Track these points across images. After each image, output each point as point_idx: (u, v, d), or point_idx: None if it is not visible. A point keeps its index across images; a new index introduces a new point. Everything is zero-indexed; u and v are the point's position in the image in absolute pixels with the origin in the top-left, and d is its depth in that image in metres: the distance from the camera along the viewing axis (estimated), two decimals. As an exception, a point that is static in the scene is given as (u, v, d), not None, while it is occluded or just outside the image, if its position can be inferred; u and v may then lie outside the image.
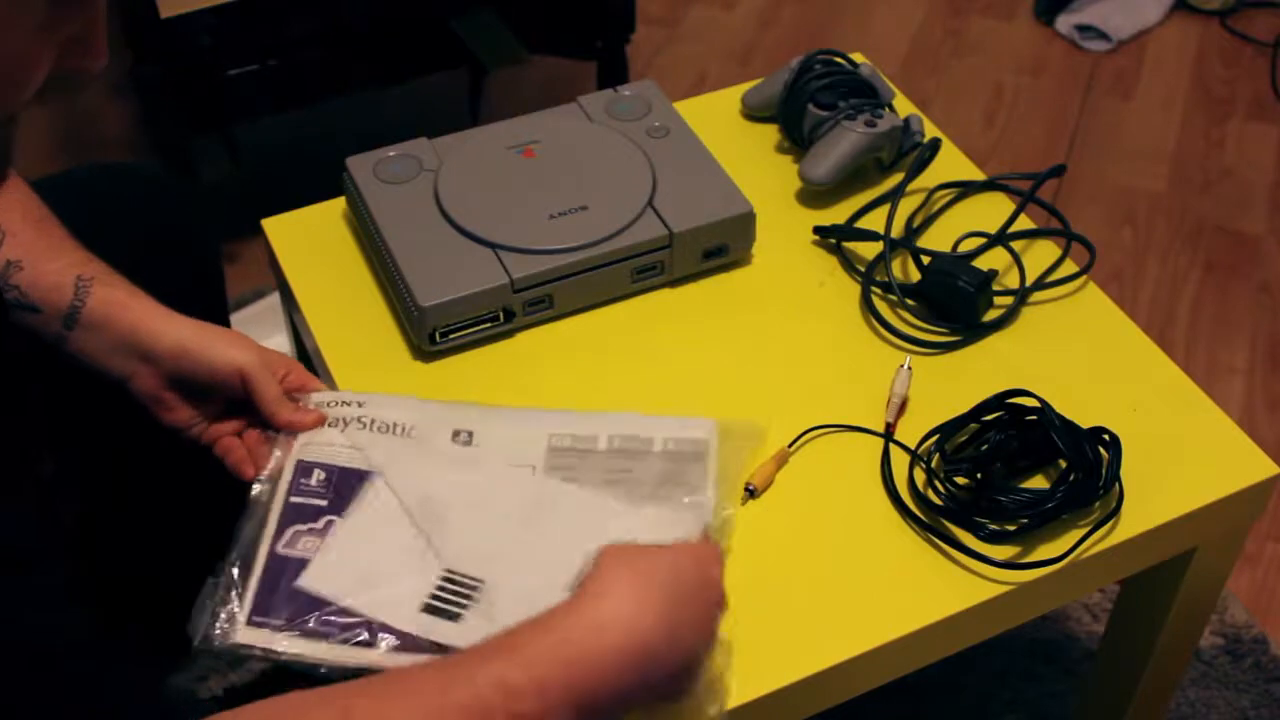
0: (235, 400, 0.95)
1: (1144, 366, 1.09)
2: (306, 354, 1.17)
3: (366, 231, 1.13)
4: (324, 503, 0.91)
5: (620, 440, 0.97)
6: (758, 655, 0.87)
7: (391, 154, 1.16)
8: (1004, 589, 0.93)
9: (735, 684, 0.84)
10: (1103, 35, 2.34)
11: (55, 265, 0.92)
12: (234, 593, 0.86)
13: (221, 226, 1.23)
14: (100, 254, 0.95)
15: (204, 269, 1.16)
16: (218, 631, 0.84)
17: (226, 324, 1.15)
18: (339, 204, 1.19)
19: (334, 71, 1.83)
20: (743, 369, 1.06)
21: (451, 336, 1.06)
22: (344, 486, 0.92)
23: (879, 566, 0.94)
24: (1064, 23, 2.36)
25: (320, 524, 0.90)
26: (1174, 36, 2.37)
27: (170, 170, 1.75)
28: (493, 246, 1.08)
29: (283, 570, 0.87)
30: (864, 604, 0.92)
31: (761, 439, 0.99)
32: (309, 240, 1.17)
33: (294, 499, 0.91)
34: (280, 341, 1.49)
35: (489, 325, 1.07)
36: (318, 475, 0.93)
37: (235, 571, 0.87)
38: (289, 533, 0.89)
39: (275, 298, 1.51)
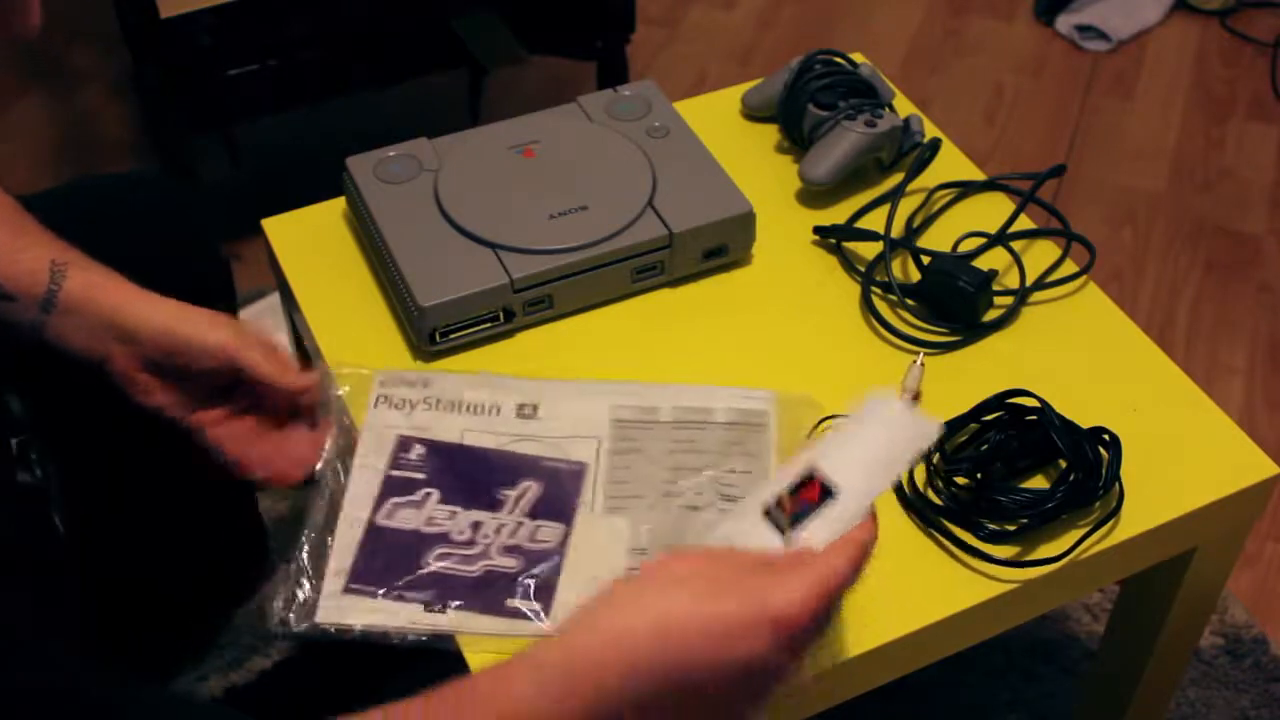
0: (220, 385, 0.95)
1: (1144, 366, 1.09)
2: (307, 354, 1.17)
3: (366, 231, 1.13)
4: (423, 476, 0.96)
5: (682, 411, 1.01)
6: (758, 655, 0.87)
7: (391, 154, 1.16)
8: (1004, 589, 0.93)
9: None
10: (1103, 35, 2.34)
11: (29, 254, 0.92)
12: (305, 578, 0.90)
13: (222, 227, 1.23)
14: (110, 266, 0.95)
15: (213, 281, 1.16)
16: (293, 615, 0.88)
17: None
18: (339, 204, 1.19)
19: (334, 71, 1.83)
20: (743, 369, 1.06)
21: (451, 336, 1.06)
22: (443, 461, 0.97)
23: (879, 566, 0.94)
24: (1064, 23, 2.36)
25: (419, 497, 0.95)
26: (1174, 36, 2.37)
27: (172, 174, 1.75)
28: (493, 246, 1.08)
29: (381, 541, 0.92)
30: (864, 604, 0.91)
31: (819, 412, 1.01)
32: (309, 240, 1.17)
33: (394, 472, 0.96)
34: (280, 341, 1.49)
35: (489, 325, 1.07)
36: (417, 450, 0.98)
37: (306, 557, 0.91)
38: (388, 504, 0.94)
39: (275, 298, 1.50)
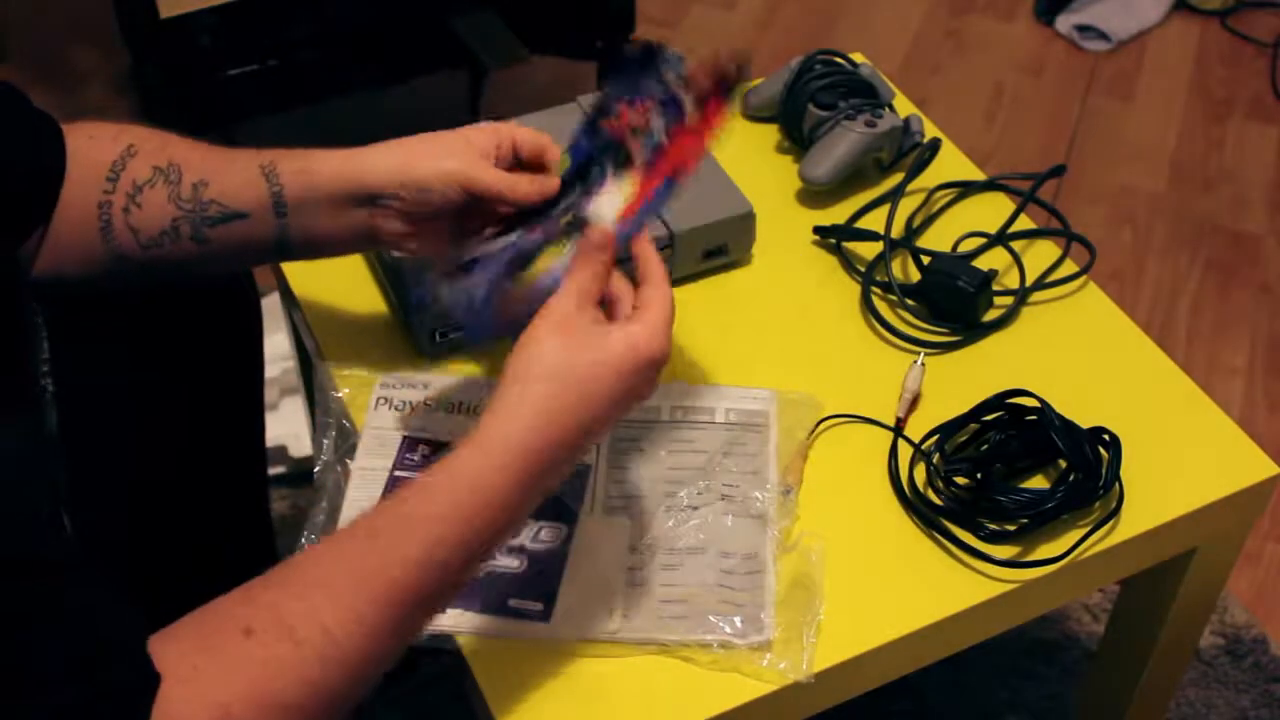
0: (469, 208, 0.93)
1: (1144, 366, 1.09)
2: (306, 354, 1.17)
3: (366, 231, 1.12)
4: None
5: (682, 411, 1.01)
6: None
7: (391, 154, 1.15)
8: (1004, 589, 0.93)
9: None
10: (1103, 35, 2.34)
11: (237, 166, 0.91)
12: None
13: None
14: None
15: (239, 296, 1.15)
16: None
17: (260, 350, 1.13)
18: (339, 204, 1.19)
19: (334, 71, 1.83)
20: (743, 369, 1.06)
21: (451, 336, 1.06)
22: None
23: (879, 566, 0.94)
24: (1064, 23, 2.36)
25: None
26: (1174, 36, 2.37)
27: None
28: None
29: None
30: (864, 603, 0.92)
31: (819, 412, 1.01)
32: (309, 240, 1.17)
33: (399, 473, 0.96)
34: (280, 341, 1.49)
35: (489, 325, 1.07)
36: (422, 451, 0.98)
37: None
38: None
39: (275, 298, 1.50)
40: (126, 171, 0.90)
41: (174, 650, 0.68)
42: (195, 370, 1.02)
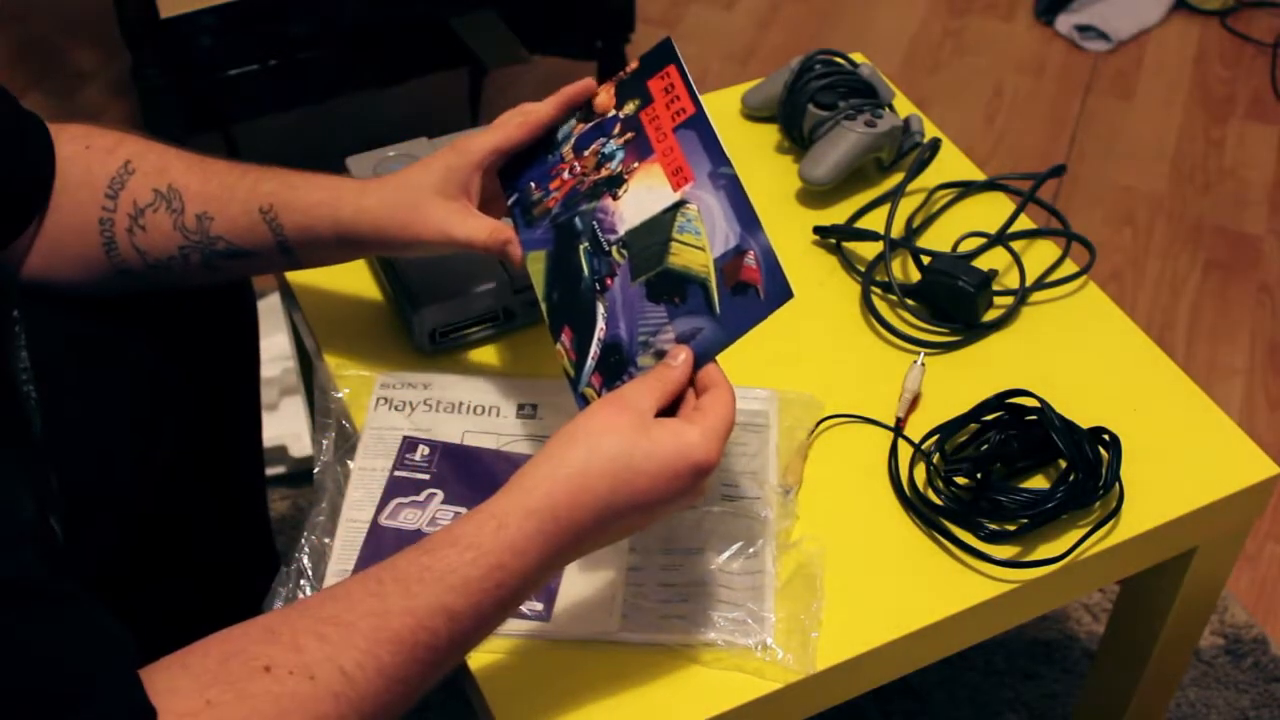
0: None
1: (1144, 366, 1.09)
2: (306, 354, 1.17)
3: (366, 231, 1.12)
4: (426, 477, 0.96)
5: None
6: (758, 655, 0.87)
7: (391, 154, 1.16)
8: (1004, 589, 0.93)
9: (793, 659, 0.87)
10: (1103, 35, 2.34)
11: (235, 204, 0.91)
12: (305, 580, 0.91)
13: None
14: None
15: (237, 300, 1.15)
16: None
17: (256, 349, 1.13)
18: (339, 204, 1.19)
19: (334, 71, 1.83)
20: (743, 369, 1.06)
21: (451, 336, 1.06)
22: (448, 462, 0.97)
23: (879, 566, 0.94)
24: (1064, 23, 2.36)
25: (422, 497, 0.95)
26: (1174, 36, 2.37)
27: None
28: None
29: (383, 541, 0.92)
30: (864, 603, 0.92)
31: (819, 412, 1.01)
32: (309, 240, 1.17)
33: (398, 473, 0.97)
34: (280, 341, 1.49)
35: (489, 325, 1.07)
36: (422, 450, 0.98)
37: (306, 559, 0.92)
38: (391, 505, 0.94)
39: (275, 298, 1.51)
40: (126, 190, 0.91)
41: (190, 684, 0.67)
42: (189, 370, 1.02)
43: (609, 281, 0.87)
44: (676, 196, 0.87)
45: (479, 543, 0.73)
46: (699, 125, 0.89)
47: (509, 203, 0.95)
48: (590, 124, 0.94)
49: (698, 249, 0.85)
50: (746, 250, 0.84)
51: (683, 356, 0.82)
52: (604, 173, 0.91)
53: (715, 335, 0.83)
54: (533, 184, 0.94)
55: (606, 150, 0.92)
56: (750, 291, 0.83)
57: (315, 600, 0.72)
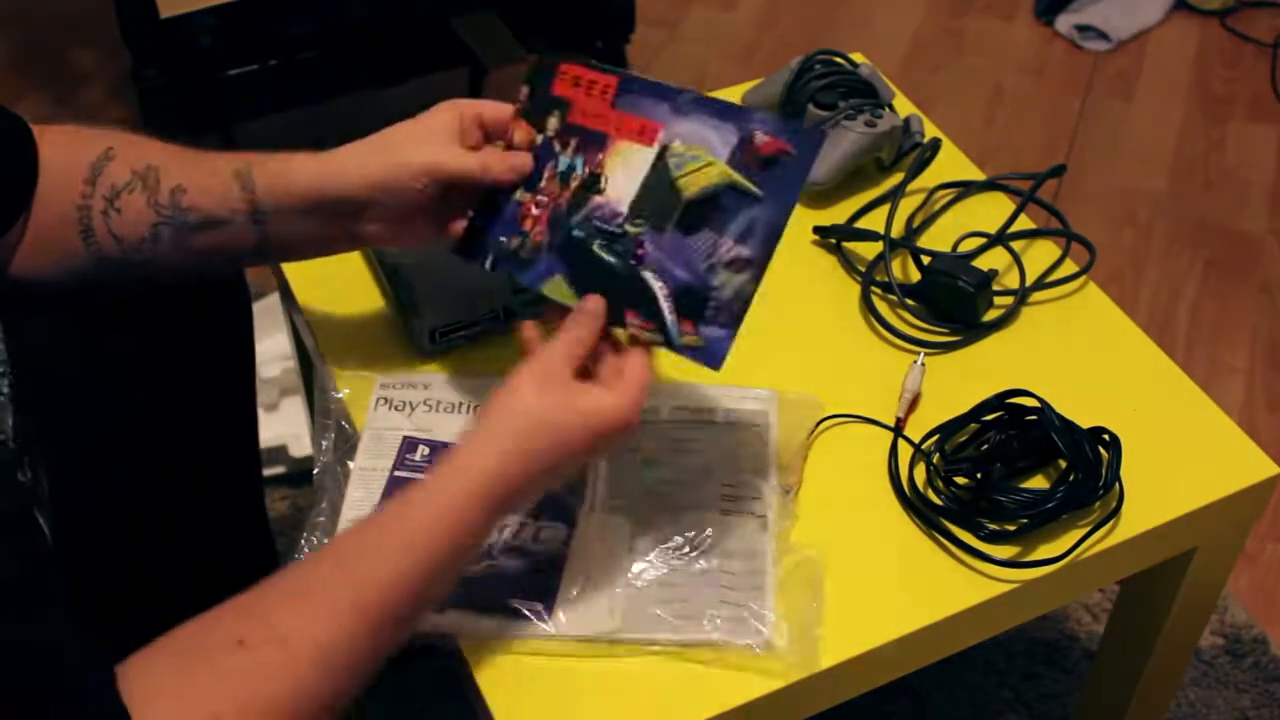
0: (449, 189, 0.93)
1: (1144, 366, 1.09)
2: (306, 354, 1.17)
3: (366, 231, 1.12)
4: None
5: (682, 411, 1.01)
6: (758, 654, 0.87)
7: (391, 154, 1.15)
8: (1004, 589, 0.93)
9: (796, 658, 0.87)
10: (1103, 35, 2.34)
11: (211, 172, 0.90)
12: None
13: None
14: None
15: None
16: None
17: (251, 344, 1.12)
18: (339, 204, 1.19)
19: (334, 71, 1.84)
20: (743, 369, 1.06)
21: (451, 336, 1.06)
22: None
23: (879, 566, 0.94)
24: (1064, 23, 2.36)
25: None
26: (1174, 36, 2.37)
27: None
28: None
29: None
30: (864, 603, 0.92)
31: (819, 412, 1.02)
32: (309, 240, 1.17)
33: (399, 473, 0.96)
34: (280, 341, 1.49)
35: (489, 325, 1.07)
36: (422, 451, 0.98)
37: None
38: None
39: (275, 298, 1.51)
40: (104, 175, 0.90)
41: (166, 663, 0.68)
42: (183, 371, 1.01)
43: (641, 251, 0.88)
44: (655, 149, 0.89)
45: (433, 521, 0.78)
46: (632, 85, 0.90)
47: (487, 267, 0.94)
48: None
49: (705, 167, 0.87)
50: (751, 132, 0.86)
51: (589, 305, 0.86)
52: (574, 183, 0.91)
53: (771, 212, 0.85)
54: (503, 239, 0.93)
55: (562, 168, 0.92)
56: (779, 158, 0.86)
57: (284, 575, 0.76)
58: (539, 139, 0.93)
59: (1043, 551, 0.94)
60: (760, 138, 0.86)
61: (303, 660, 0.71)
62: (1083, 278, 1.15)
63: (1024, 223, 1.19)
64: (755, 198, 0.85)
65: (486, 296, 1.05)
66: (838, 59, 1.26)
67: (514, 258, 0.93)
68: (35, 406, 0.89)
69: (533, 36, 1.90)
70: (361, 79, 1.87)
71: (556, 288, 0.91)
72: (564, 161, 0.92)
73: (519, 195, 0.93)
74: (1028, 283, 1.14)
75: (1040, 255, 1.17)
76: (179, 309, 1.00)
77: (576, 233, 0.90)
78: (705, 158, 0.87)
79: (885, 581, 0.93)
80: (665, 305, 0.87)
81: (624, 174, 0.90)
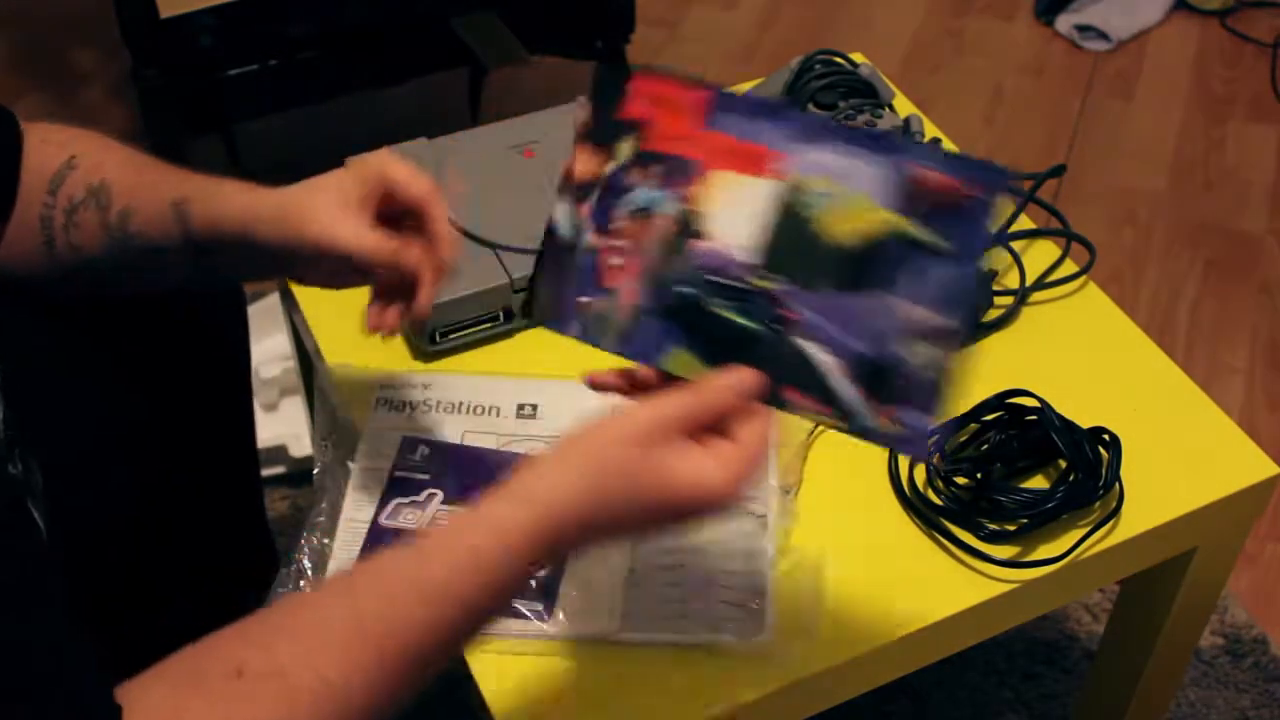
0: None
1: (1144, 366, 1.09)
2: (306, 354, 1.17)
3: (366, 231, 1.12)
4: (427, 477, 0.96)
5: None
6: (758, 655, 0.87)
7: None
8: (1004, 589, 0.93)
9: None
10: (1103, 35, 2.34)
11: (156, 208, 0.88)
12: (305, 581, 0.91)
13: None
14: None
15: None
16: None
17: (246, 347, 1.12)
18: (339, 204, 1.19)
19: (334, 71, 1.83)
20: (743, 369, 1.06)
21: (451, 336, 1.06)
22: (447, 462, 0.97)
23: (879, 566, 0.94)
24: (1064, 23, 2.36)
25: (422, 497, 0.95)
26: (1174, 36, 2.37)
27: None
28: (493, 247, 1.08)
29: (383, 541, 0.92)
30: (864, 603, 0.92)
31: None
32: (309, 240, 1.16)
33: (399, 473, 0.96)
34: (280, 341, 1.49)
35: (489, 325, 1.07)
36: (422, 450, 0.98)
37: (306, 560, 0.92)
38: (391, 505, 0.94)
39: (275, 298, 1.50)
40: (64, 187, 0.90)
41: (163, 688, 0.65)
42: (177, 372, 1.01)
43: (788, 314, 0.73)
44: (774, 183, 0.73)
45: (477, 563, 0.70)
46: (733, 102, 0.74)
47: (577, 336, 0.78)
48: (593, 198, 0.76)
49: (857, 209, 0.72)
50: (910, 168, 0.71)
51: (746, 382, 0.73)
52: (658, 224, 0.75)
53: (958, 269, 0.70)
54: (585, 299, 0.76)
55: (640, 203, 0.75)
56: (957, 201, 0.70)
57: (296, 604, 0.71)
58: (607, 169, 0.76)
59: (1043, 551, 0.94)
60: (926, 174, 0.70)
61: (301, 693, 0.66)
62: (1083, 278, 1.15)
63: (1024, 223, 1.19)
64: (936, 251, 0.70)
65: (487, 297, 1.05)
66: (838, 59, 1.26)
67: (606, 325, 0.76)
68: (27, 405, 0.89)
69: (533, 36, 1.90)
70: (361, 79, 1.87)
71: (681, 362, 0.74)
72: (642, 195, 0.75)
73: (589, 239, 0.76)
74: (1028, 283, 1.14)
75: (1040, 255, 1.17)
76: (172, 309, 1.00)
77: (681, 291, 0.74)
78: (855, 195, 0.72)
79: (885, 581, 0.93)
80: (844, 384, 0.72)
81: (731, 212, 0.74)
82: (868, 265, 0.71)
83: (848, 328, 0.72)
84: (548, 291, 0.77)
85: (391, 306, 0.88)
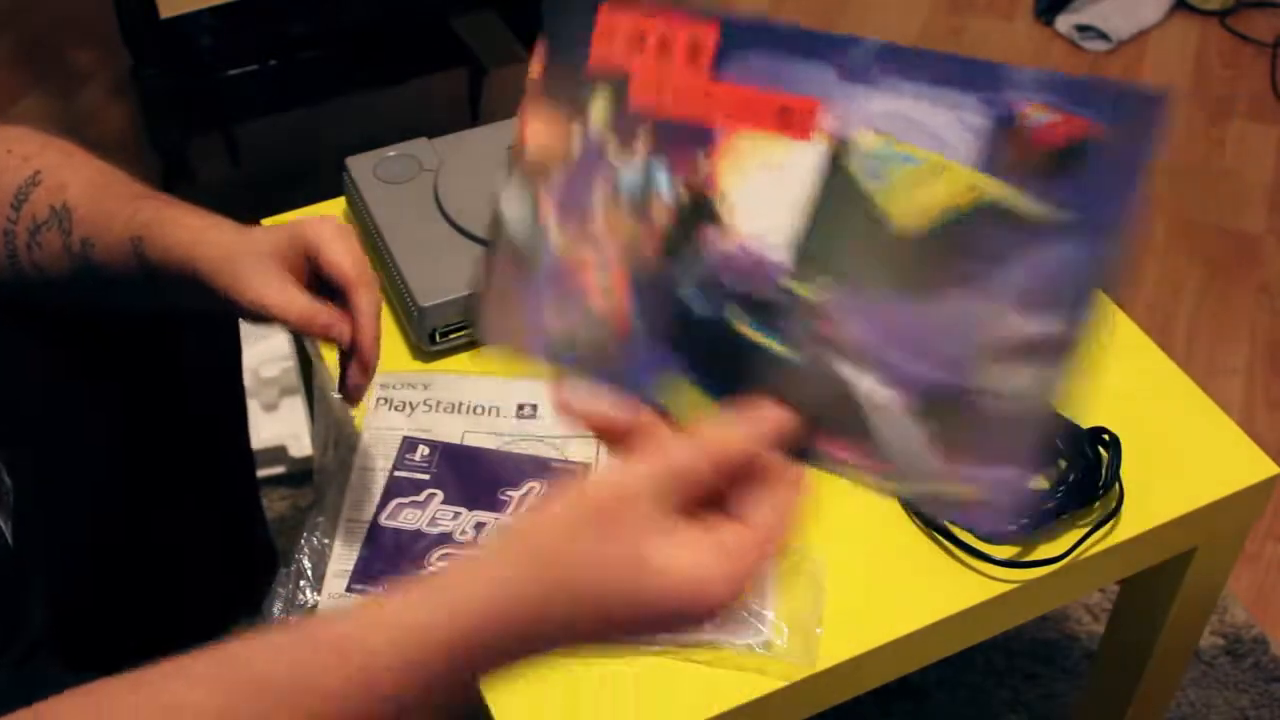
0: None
1: (1144, 366, 1.09)
2: (306, 354, 1.17)
3: (366, 231, 1.13)
4: (426, 477, 0.96)
5: None
6: (758, 655, 0.87)
7: (391, 154, 1.16)
8: (1004, 589, 0.93)
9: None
10: (1103, 35, 2.34)
11: (113, 236, 0.86)
12: (305, 580, 0.91)
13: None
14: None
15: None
16: (293, 618, 0.88)
17: (238, 348, 1.11)
18: (339, 204, 1.19)
19: (334, 71, 1.83)
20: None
21: (451, 336, 1.06)
22: (448, 462, 0.97)
23: (880, 566, 0.94)
24: (1064, 23, 2.36)
25: (422, 497, 0.95)
26: (1174, 36, 2.37)
27: (172, 173, 1.75)
28: (493, 246, 1.08)
29: (383, 541, 0.92)
30: (864, 603, 0.92)
31: None
32: (309, 240, 1.16)
33: (399, 473, 0.96)
34: (280, 341, 1.49)
35: (489, 325, 1.07)
36: (422, 450, 0.98)
37: (306, 560, 0.92)
38: (391, 505, 0.94)
39: (275, 298, 1.50)
40: (28, 204, 0.88)
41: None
42: (170, 374, 1.01)
43: (831, 332, 0.52)
44: (815, 146, 0.52)
45: (377, 678, 0.52)
46: (745, 35, 0.54)
47: (543, 360, 0.60)
48: (557, 180, 0.57)
49: (937, 175, 0.50)
50: (1017, 105, 0.48)
51: (751, 424, 0.54)
52: (657, 211, 0.55)
53: (1086, 247, 0.49)
54: (547, 315, 0.58)
55: (626, 186, 0.55)
56: (1085, 148, 0.47)
57: (162, 679, 0.54)
58: (575, 139, 0.56)
59: (1043, 551, 0.94)
60: (1038, 115, 0.48)
61: None
62: (1083, 278, 1.15)
63: (1024, 223, 1.19)
64: (1049, 225, 0.48)
65: (486, 296, 1.05)
66: (838, 59, 1.25)
67: (582, 347, 0.57)
68: (12, 410, 0.88)
69: (533, 37, 1.90)
70: (361, 79, 1.87)
71: (677, 393, 0.55)
72: (626, 176, 0.55)
73: (554, 235, 0.56)
74: (1028, 283, 1.13)
75: (1040, 255, 1.17)
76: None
77: (696, 306, 0.54)
78: (931, 158, 0.50)
79: (885, 581, 0.93)
80: (905, 428, 0.52)
81: (754, 192, 0.53)
82: (949, 255, 0.50)
83: (913, 347, 0.51)
84: (498, 305, 0.59)
85: (351, 366, 0.86)
